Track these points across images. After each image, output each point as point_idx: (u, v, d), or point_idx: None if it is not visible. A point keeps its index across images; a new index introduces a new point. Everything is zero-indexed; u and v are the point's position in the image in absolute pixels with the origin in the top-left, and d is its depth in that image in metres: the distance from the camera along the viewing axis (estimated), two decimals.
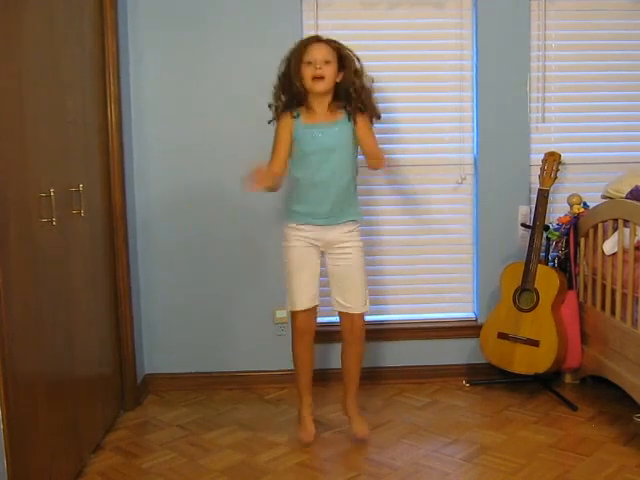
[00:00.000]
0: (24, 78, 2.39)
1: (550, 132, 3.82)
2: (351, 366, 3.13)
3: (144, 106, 3.64)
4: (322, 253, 3.08)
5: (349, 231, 3.05)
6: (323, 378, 3.64)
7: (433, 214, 3.83)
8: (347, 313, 3.09)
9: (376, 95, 3.09)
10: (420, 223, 3.84)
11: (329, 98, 3.00)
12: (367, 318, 3.73)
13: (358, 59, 3.00)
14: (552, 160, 3.58)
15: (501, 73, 3.71)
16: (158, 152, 3.68)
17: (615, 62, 3.79)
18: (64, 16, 2.79)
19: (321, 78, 2.91)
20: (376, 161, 3.06)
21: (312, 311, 3.09)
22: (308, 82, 2.92)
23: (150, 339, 3.77)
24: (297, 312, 3.06)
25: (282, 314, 3.57)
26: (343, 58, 2.96)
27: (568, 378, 3.74)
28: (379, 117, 3.08)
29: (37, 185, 2.47)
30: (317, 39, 3.00)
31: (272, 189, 3.02)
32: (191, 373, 3.80)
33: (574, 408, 3.43)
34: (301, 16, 3.66)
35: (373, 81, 3.10)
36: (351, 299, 3.07)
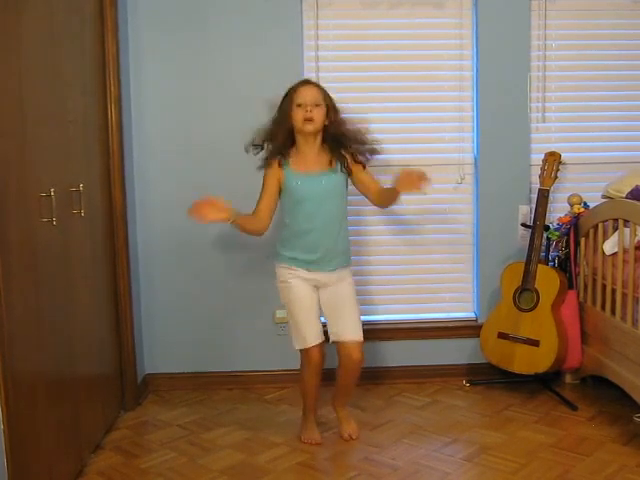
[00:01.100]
0: (24, 78, 2.39)
1: (550, 132, 3.82)
2: (343, 385, 3.12)
3: (144, 106, 3.64)
4: (317, 288, 3.05)
5: (339, 274, 3.03)
6: (323, 378, 3.64)
7: (433, 214, 3.83)
8: (343, 344, 3.01)
9: (363, 134, 3.05)
10: (420, 223, 3.84)
11: (319, 142, 2.99)
12: (367, 318, 3.76)
13: (341, 108, 3.01)
14: (552, 160, 3.59)
15: (501, 73, 3.71)
16: (158, 152, 3.68)
17: (615, 62, 3.79)
18: (64, 16, 2.80)
19: (311, 120, 2.90)
20: (387, 202, 3.08)
21: (323, 344, 3.02)
22: (299, 124, 2.92)
23: (150, 339, 3.77)
24: (311, 348, 2.99)
25: (282, 314, 3.56)
26: (330, 104, 2.97)
27: (568, 378, 3.74)
28: (374, 155, 3.06)
29: (37, 185, 2.47)
30: (307, 82, 3.03)
31: (250, 232, 2.99)
32: (191, 373, 3.80)
33: (574, 408, 3.43)
34: (301, 16, 3.66)
35: (367, 125, 3.09)
36: (348, 327, 3.01)
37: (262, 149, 3.03)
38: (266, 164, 3.01)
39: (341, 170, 3.00)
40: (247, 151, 3.03)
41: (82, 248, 2.97)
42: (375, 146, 3.04)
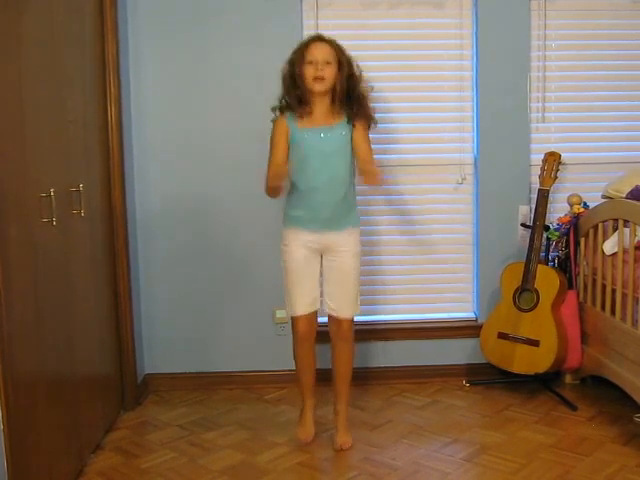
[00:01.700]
0: (24, 78, 2.39)
1: (550, 132, 3.82)
2: (340, 368, 3.07)
3: (144, 106, 3.64)
4: (321, 255, 3.04)
5: (348, 236, 3.01)
6: (323, 378, 3.64)
7: (433, 214, 3.83)
8: (335, 317, 3.03)
9: (373, 102, 3.06)
10: (420, 223, 3.84)
11: (328, 99, 2.95)
12: (367, 318, 3.75)
13: (358, 65, 2.98)
14: (552, 160, 3.59)
15: (501, 73, 3.71)
16: (158, 152, 3.68)
17: (615, 62, 3.79)
18: (64, 16, 2.80)
19: (321, 79, 2.87)
20: (369, 175, 2.86)
21: (313, 316, 3.03)
22: (309, 82, 2.89)
23: (150, 339, 3.77)
24: (297, 317, 3.00)
25: (282, 314, 3.56)
26: (343, 60, 2.93)
27: (568, 378, 3.74)
28: (375, 124, 3.04)
29: (37, 185, 2.47)
30: (319, 38, 2.96)
31: (275, 192, 2.97)
32: (191, 373, 3.80)
33: (574, 408, 3.43)
34: (301, 16, 3.66)
35: (372, 89, 3.07)
36: (340, 303, 3.01)
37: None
38: (273, 118, 2.99)
39: (348, 124, 2.95)
40: (274, 112, 3.01)
41: (82, 248, 2.97)
42: (375, 115, 3.02)
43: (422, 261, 3.87)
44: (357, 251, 3.04)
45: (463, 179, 3.81)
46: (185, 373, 3.80)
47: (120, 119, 3.39)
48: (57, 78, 2.70)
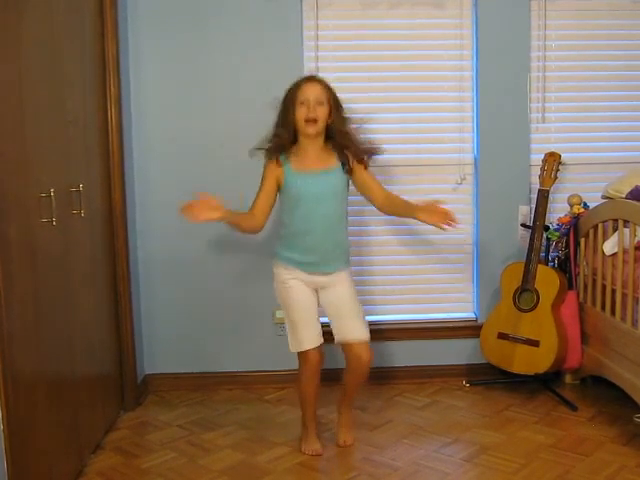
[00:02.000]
0: (24, 78, 2.39)
1: (550, 132, 3.82)
2: (350, 387, 3.06)
3: (144, 106, 3.64)
4: (316, 290, 2.98)
5: (338, 277, 2.96)
6: (324, 378, 3.63)
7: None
8: (350, 345, 2.94)
9: (363, 135, 2.98)
10: (420, 223, 3.82)
11: (321, 140, 2.90)
12: (368, 318, 3.74)
13: (343, 107, 2.92)
14: (552, 160, 3.59)
15: (501, 73, 3.72)
16: (158, 152, 3.68)
17: (615, 62, 3.80)
18: (64, 16, 2.79)
19: (314, 121, 2.82)
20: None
21: (321, 349, 2.94)
22: (300, 124, 2.83)
23: (150, 339, 3.77)
24: (308, 351, 2.91)
25: (282, 314, 3.55)
26: (335, 100, 2.89)
27: (568, 378, 3.74)
28: (375, 154, 2.99)
29: (37, 185, 2.47)
30: (311, 78, 2.93)
31: (245, 231, 2.95)
32: (191, 373, 3.80)
33: (574, 408, 3.43)
34: (301, 16, 3.66)
35: (362, 122, 3.00)
36: (352, 327, 2.95)
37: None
38: (266, 161, 2.93)
39: (343, 169, 2.91)
40: (251, 156, 2.94)
41: (82, 248, 2.97)
42: (376, 146, 2.98)
43: (422, 261, 3.87)
44: (350, 282, 3.00)
45: (463, 179, 3.82)
46: (185, 373, 3.80)
47: (120, 119, 3.39)
48: (57, 78, 2.70)
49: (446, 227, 2.80)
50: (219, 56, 3.65)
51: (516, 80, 3.73)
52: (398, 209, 3.01)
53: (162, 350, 3.79)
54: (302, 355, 2.94)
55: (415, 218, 2.89)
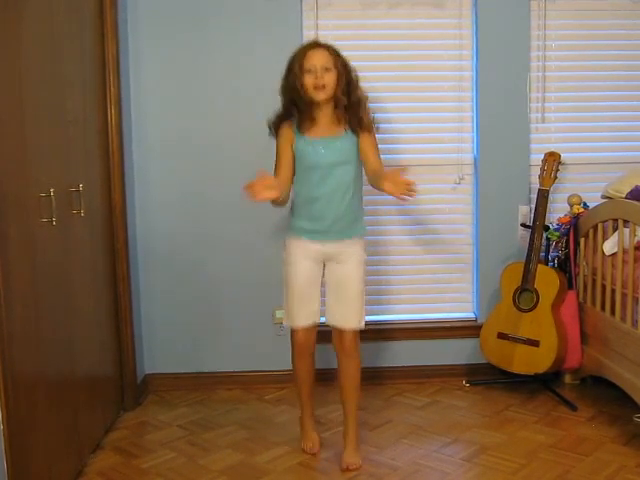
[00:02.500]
0: (24, 78, 2.39)
1: (550, 132, 3.82)
2: (345, 384, 2.95)
3: (144, 106, 3.64)
4: (323, 265, 2.93)
5: (352, 244, 2.90)
6: (323, 378, 3.64)
7: (433, 214, 3.83)
8: (338, 328, 2.91)
9: (371, 105, 2.95)
10: (420, 223, 3.84)
11: (331, 107, 2.84)
12: (368, 318, 3.73)
13: (355, 69, 2.86)
14: (552, 160, 3.59)
15: (501, 73, 3.71)
16: (158, 152, 3.68)
17: (615, 62, 3.80)
18: (64, 16, 2.80)
19: (322, 87, 2.76)
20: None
21: (312, 328, 2.93)
22: (310, 91, 2.77)
23: (150, 339, 3.77)
24: (297, 329, 2.92)
25: (281, 314, 3.55)
26: (342, 65, 2.82)
27: (568, 378, 3.74)
28: (378, 127, 2.96)
29: (37, 185, 2.47)
30: (316, 44, 2.85)
31: (278, 204, 2.87)
32: (191, 373, 3.80)
33: (574, 408, 3.43)
34: (301, 16, 3.66)
35: (367, 97, 2.94)
36: (343, 312, 2.89)
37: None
38: (276, 129, 2.88)
39: (353, 133, 2.85)
40: (271, 134, 2.90)
41: (82, 248, 2.97)
42: (374, 118, 2.92)
43: (422, 261, 3.87)
44: (362, 259, 2.92)
45: (462, 179, 3.82)
46: (185, 373, 3.80)
47: (120, 119, 3.39)
48: (57, 78, 2.70)
49: (406, 198, 2.64)
50: (219, 56, 3.65)
51: (516, 80, 3.73)
52: (377, 181, 2.84)
53: (162, 350, 3.79)
54: (292, 332, 2.97)
55: (382, 189, 2.71)
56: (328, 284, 2.95)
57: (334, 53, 2.83)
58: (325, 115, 2.86)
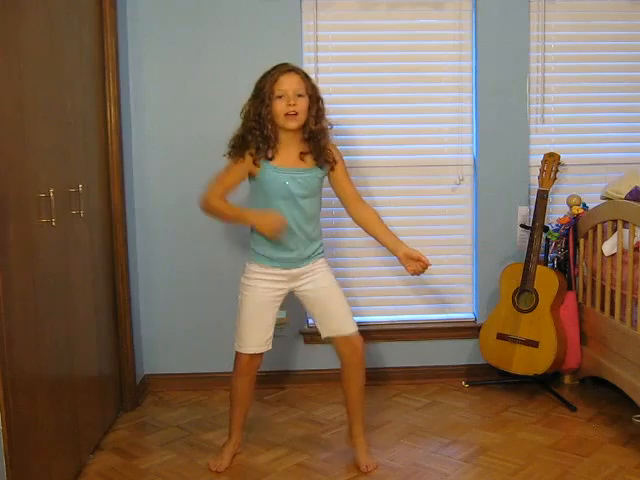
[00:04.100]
0: (24, 78, 2.39)
1: (549, 133, 3.82)
2: (354, 391, 2.90)
3: (143, 106, 3.64)
4: (285, 293, 2.86)
5: (317, 263, 2.85)
6: (323, 378, 3.65)
7: (433, 215, 3.83)
8: (341, 337, 2.84)
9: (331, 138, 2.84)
10: (420, 224, 3.84)
11: (299, 136, 2.73)
12: (366, 319, 3.74)
13: (321, 96, 2.76)
14: (552, 161, 3.59)
15: (500, 74, 3.72)
16: (158, 153, 3.68)
17: (614, 63, 3.80)
18: (64, 16, 2.79)
19: (294, 114, 2.65)
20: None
21: (260, 356, 2.91)
22: (280, 119, 2.65)
23: (149, 339, 3.77)
24: (243, 354, 2.87)
25: (282, 314, 3.56)
26: (314, 91, 2.72)
27: (567, 379, 3.74)
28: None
29: (36, 185, 2.47)
30: (288, 69, 2.70)
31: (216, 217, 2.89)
32: (190, 374, 3.80)
33: (573, 409, 3.43)
34: (300, 16, 3.66)
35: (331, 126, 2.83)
36: (339, 320, 2.84)
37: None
38: (239, 154, 2.72)
39: (321, 166, 2.77)
40: (231, 154, 2.78)
41: (81, 249, 2.96)
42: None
43: None
44: (327, 267, 2.88)
45: (461, 180, 3.81)
46: (184, 374, 3.79)
47: (119, 119, 3.39)
48: (56, 78, 2.70)
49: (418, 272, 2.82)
50: (218, 56, 3.65)
51: (515, 81, 3.73)
52: (374, 231, 2.87)
53: (161, 350, 3.79)
54: (237, 356, 2.91)
55: (395, 255, 2.84)
56: (307, 302, 2.88)
57: (306, 78, 2.71)
58: (292, 145, 2.74)
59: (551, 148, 3.68)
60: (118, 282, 3.44)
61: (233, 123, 3.64)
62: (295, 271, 2.83)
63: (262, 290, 2.82)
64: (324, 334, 2.89)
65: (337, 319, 2.85)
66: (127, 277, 3.49)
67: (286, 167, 2.73)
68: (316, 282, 2.84)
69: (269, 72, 2.71)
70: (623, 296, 3.23)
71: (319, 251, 2.88)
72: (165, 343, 3.78)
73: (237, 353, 2.91)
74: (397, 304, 3.90)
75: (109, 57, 3.30)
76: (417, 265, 2.81)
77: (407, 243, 3.81)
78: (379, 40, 3.73)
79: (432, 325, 3.88)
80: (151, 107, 3.65)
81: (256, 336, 2.86)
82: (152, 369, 3.79)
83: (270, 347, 2.91)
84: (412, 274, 2.83)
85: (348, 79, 3.73)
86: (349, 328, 2.86)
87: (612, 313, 3.33)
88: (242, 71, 3.64)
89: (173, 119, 3.68)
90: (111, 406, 3.36)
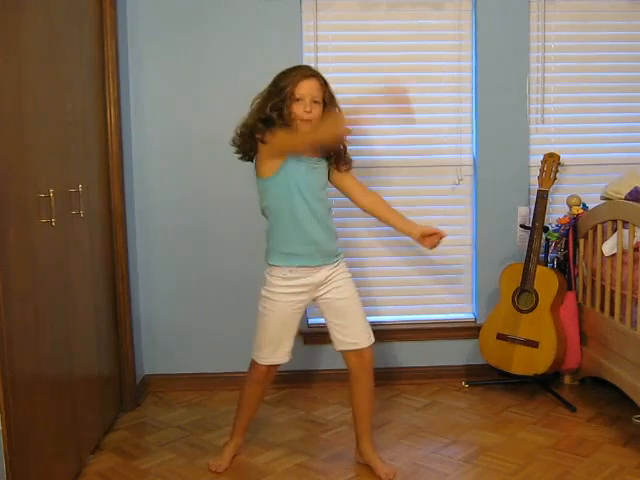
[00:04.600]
0: (24, 78, 2.39)
1: (549, 133, 3.82)
2: (364, 404, 2.89)
3: (143, 107, 3.64)
4: (308, 304, 2.86)
5: (336, 266, 2.83)
6: (323, 379, 3.65)
7: (432, 215, 3.83)
8: (353, 350, 2.83)
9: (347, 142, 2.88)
10: (419, 224, 3.83)
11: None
12: (367, 319, 3.73)
13: (338, 103, 2.81)
14: (551, 161, 3.59)
15: (500, 74, 3.72)
16: (158, 153, 3.68)
17: (614, 63, 3.80)
18: (64, 16, 2.79)
19: (308, 120, 2.71)
20: (381, 217, 2.93)
21: (277, 366, 2.89)
22: (296, 120, 2.71)
23: (149, 340, 3.77)
24: (261, 365, 2.85)
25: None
26: (330, 97, 2.78)
27: (567, 379, 3.74)
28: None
29: (36, 186, 2.47)
30: (310, 73, 2.76)
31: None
32: (190, 374, 3.80)
33: (573, 409, 3.43)
34: (300, 17, 3.66)
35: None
36: (356, 334, 2.83)
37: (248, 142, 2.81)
38: (269, 131, 2.72)
39: (326, 158, 2.83)
40: (233, 144, 2.88)
41: (81, 249, 2.96)
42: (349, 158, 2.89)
43: (421, 262, 3.86)
44: (350, 276, 2.87)
45: (460, 180, 3.81)
46: (184, 374, 3.80)
47: (119, 119, 3.39)
48: (56, 78, 2.70)
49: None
50: (218, 57, 3.65)
51: (515, 81, 3.73)
52: (385, 215, 2.94)
53: (161, 351, 3.79)
54: (254, 365, 2.88)
55: (409, 235, 2.91)
56: (326, 309, 2.86)
57: (324, 84, 2.78)
58: None
59: (551, 148, 3.68)
60: (118, 282, 3.44)
61: (233, 123, 3.64)
62: (317, 276, 2.79)
63: (285, 304, 2.79)
64: (339, 347, 2.86)
65: (355, 332, 2.85)
66: (127, 277, 3.49)
67: (302, 158, 2.76)
68: (339, 292, 2.83)
69: (291, 72, 2.76)
70: (623, 296, 3.23)
71: (338, 252, 2.87)
72: (165, 343, 3.78)
73: (254, 361, 2.88)
74: (397, 304, 3.90)
75: (109, 57, 3.30)
76: (434, 238, 2.86)
77: (406, 243, 3.83)
78: (379, 40, 3.73)
79: (432, 325, 3.88)
80: (151, 107, 3.65)
81: (277, 349, 2.83)
82: (152, 369, 3.79)
83: (289, 358, 2.87)
84: (430, 248, 2.90)
85: (348, 79, 3.72)
86: (365, 342, 2.85)
87: (612, 313, 3.33)
88: (242, 71, 3.65)
89: (173, 119, 3.68)
90: (111, 406, 3.36)
